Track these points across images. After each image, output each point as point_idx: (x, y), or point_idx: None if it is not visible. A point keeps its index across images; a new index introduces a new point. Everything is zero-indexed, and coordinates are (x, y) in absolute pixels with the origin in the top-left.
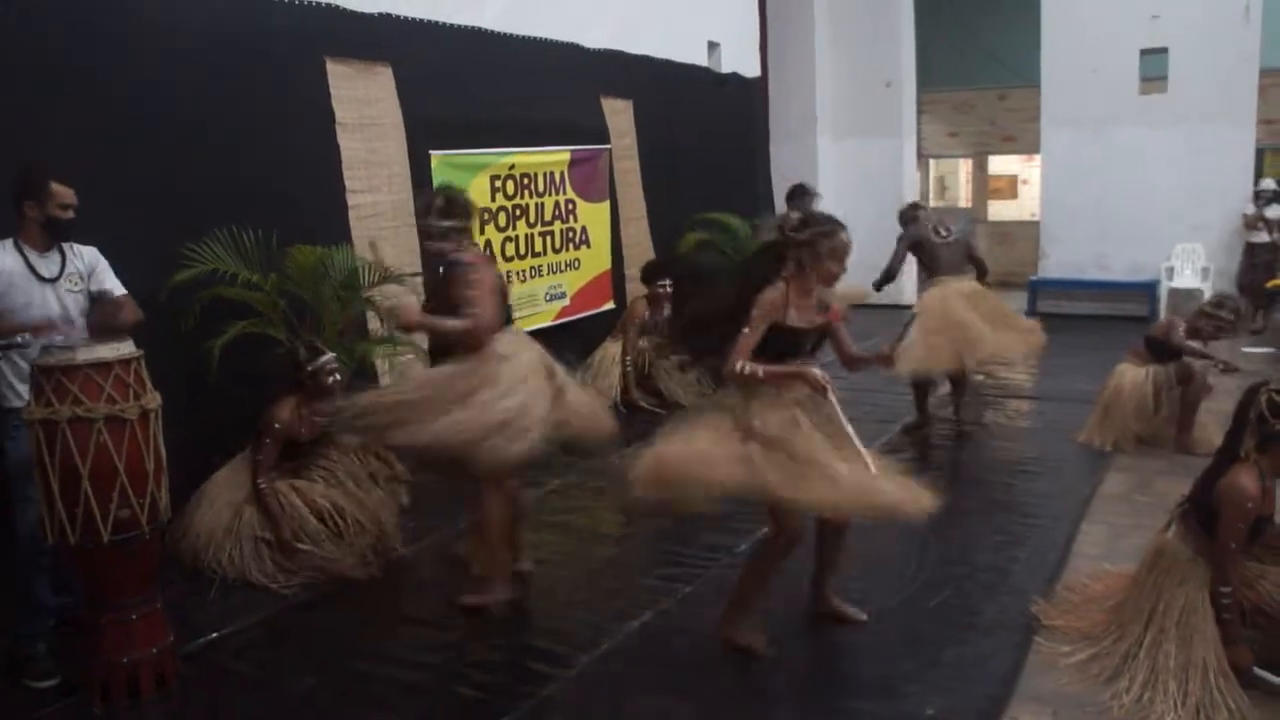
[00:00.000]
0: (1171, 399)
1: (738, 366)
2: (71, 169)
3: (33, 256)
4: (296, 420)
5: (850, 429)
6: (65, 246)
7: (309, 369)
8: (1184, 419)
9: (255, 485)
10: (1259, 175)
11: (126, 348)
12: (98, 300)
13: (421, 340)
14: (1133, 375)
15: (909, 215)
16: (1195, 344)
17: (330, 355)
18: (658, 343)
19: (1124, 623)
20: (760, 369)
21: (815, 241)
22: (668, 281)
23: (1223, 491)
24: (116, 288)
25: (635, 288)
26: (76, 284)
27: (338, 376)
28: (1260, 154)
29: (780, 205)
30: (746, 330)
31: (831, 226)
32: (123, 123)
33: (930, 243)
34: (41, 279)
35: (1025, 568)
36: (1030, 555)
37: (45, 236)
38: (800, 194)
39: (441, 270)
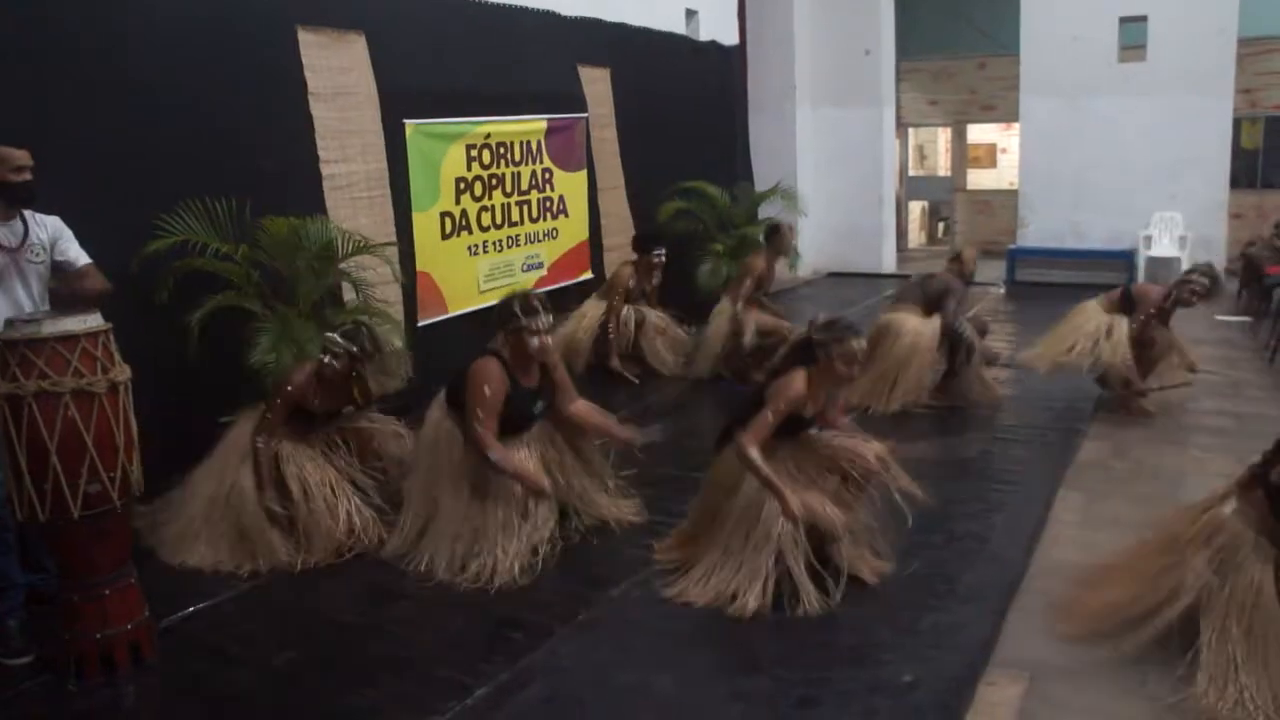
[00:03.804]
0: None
1: (751, 454)
2: (39, 138)
3: None
4: (311, 388)
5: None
6: (27, 216)
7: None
8: (1139, 374)
9: (253, 442)
10: (1236, 144)
11: (94, 320)
12: (61, 271)
13: (396, 312)
14: (1094, 314)
15: None
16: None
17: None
18: (642, 312)
19: (1162, 602)
20: (762, 470)
21: (828, 344)
22: (663, 251)
23: None
24: (80, 257)
25: (613, 257)
26: (39, 254)
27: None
28: (1238, 124)
29: (759, 173)
30: (770, 416)
31: (843, 333)
32: (92, 92)
33: None
34: (2, 248)
35: (1003, 534)
36: (1008, 522)
37: (2, 204)
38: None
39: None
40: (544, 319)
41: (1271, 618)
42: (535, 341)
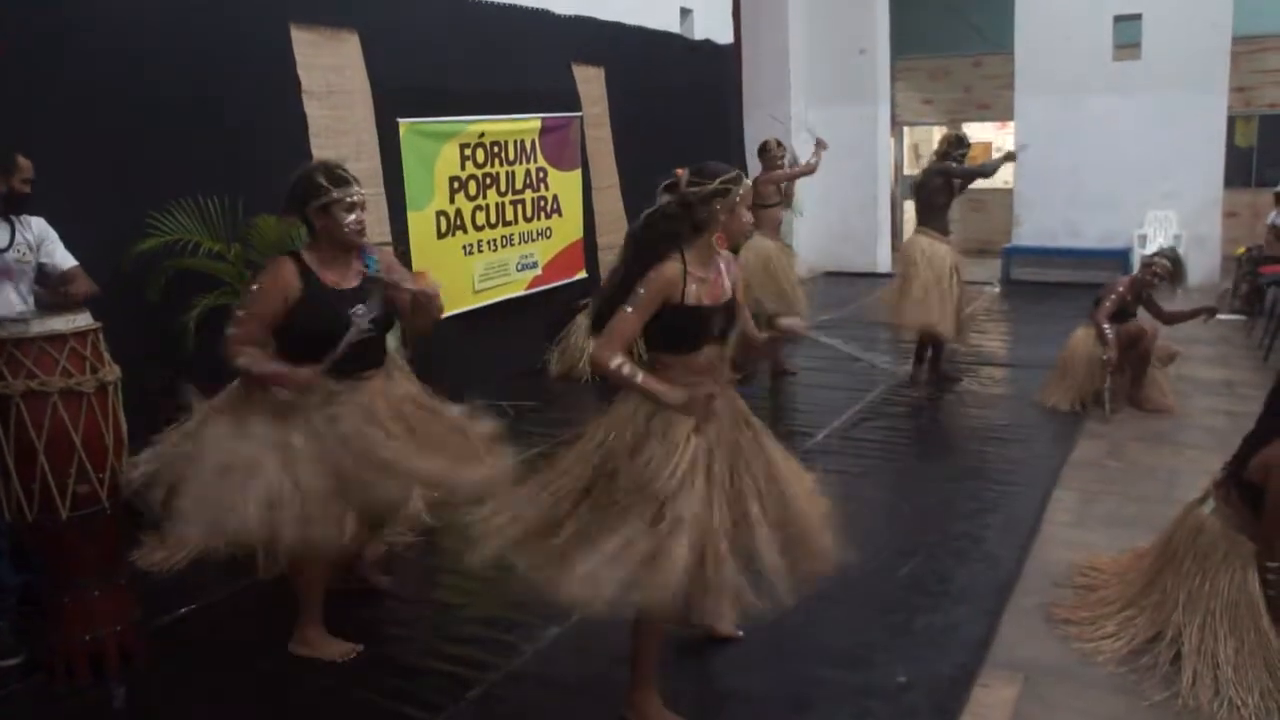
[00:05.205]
0: (1130, 358)
1: (612, 363)
2: (31, 136)
3: None
4: None
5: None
6: (13, 216)
7: None
8: (1134, 375)
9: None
10: (1230, 142)
11: (83, 319)
12: (46, 274)
13: None
14: (1084, 335)
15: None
16: (1103, 321)
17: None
18: None
19: (1152, 604)
20: (639, 376)
21: (727, 192)
22: None
23: (1270, 467)
24: (66, 260)
25: (607, 256)
26: (24, 254)
27: None
28: (1232, 122)
29: (754, 173)
30: (630, 310)
31: (736, 172)
32: (85, 89)
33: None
34: None
35: (997, 534)
36: (1002, 522)
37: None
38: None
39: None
40: (357, 190)
41: (1253, 614)
42: (351, 217)
